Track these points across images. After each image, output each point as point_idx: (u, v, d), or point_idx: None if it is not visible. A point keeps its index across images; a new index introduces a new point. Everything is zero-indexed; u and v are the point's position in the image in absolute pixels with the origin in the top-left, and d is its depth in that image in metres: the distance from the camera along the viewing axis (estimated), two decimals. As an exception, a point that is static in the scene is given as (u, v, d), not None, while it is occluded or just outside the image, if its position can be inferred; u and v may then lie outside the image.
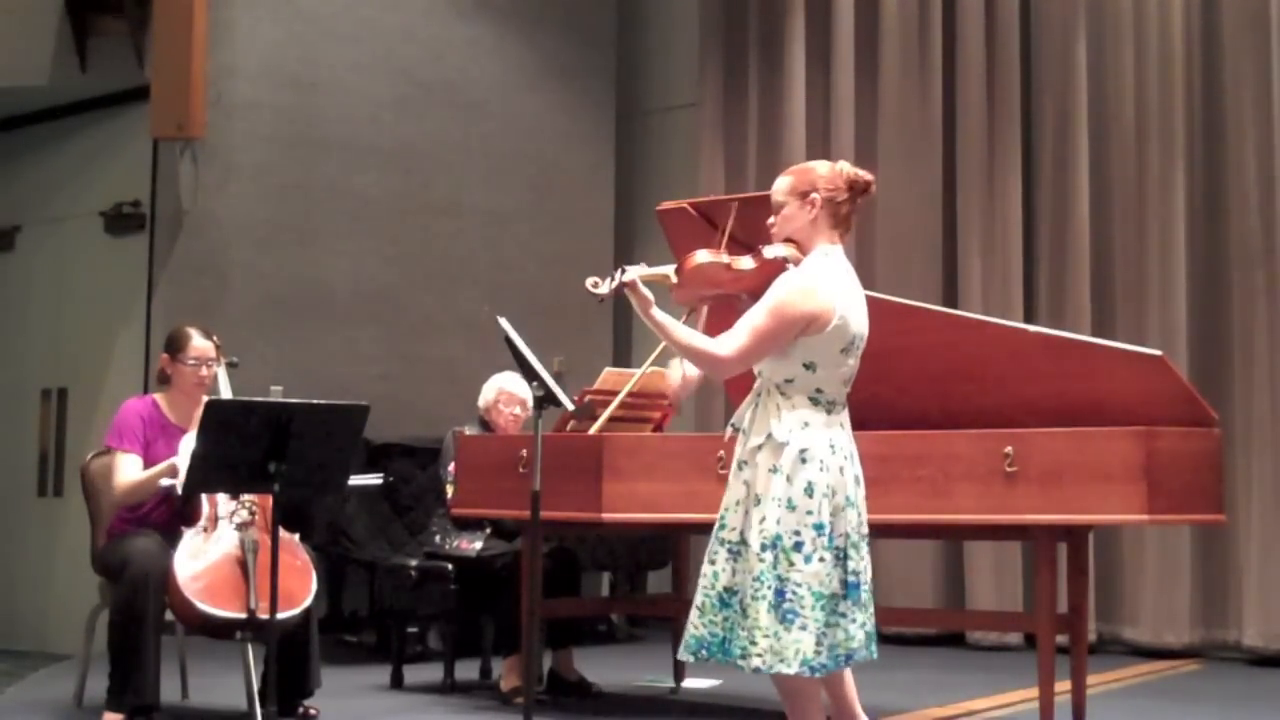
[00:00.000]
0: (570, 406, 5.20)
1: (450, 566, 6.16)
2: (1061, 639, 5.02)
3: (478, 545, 6.15)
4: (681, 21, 9.70)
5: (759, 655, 3.65)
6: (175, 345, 5.32)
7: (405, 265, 8.64)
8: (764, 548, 3.66)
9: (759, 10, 9.20)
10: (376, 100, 8.59)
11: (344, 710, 5.47)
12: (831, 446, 3.74)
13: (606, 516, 5.12)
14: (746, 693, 6.11)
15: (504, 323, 5.02)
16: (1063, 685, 5.04)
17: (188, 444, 4.97)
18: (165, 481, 5.09)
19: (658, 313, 3.87)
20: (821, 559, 3.66)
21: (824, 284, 3.76)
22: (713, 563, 3.75)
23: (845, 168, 3.89)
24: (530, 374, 4.98)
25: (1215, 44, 7.79)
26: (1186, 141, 7.80)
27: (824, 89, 8.90)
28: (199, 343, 5.31)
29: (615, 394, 5.44)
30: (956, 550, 8.12)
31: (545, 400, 4.98)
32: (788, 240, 3.89)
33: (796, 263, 3.86)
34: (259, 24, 8.14)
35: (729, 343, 3.78)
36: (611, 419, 5.37)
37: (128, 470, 5.16)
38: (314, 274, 8.28)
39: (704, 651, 3.73)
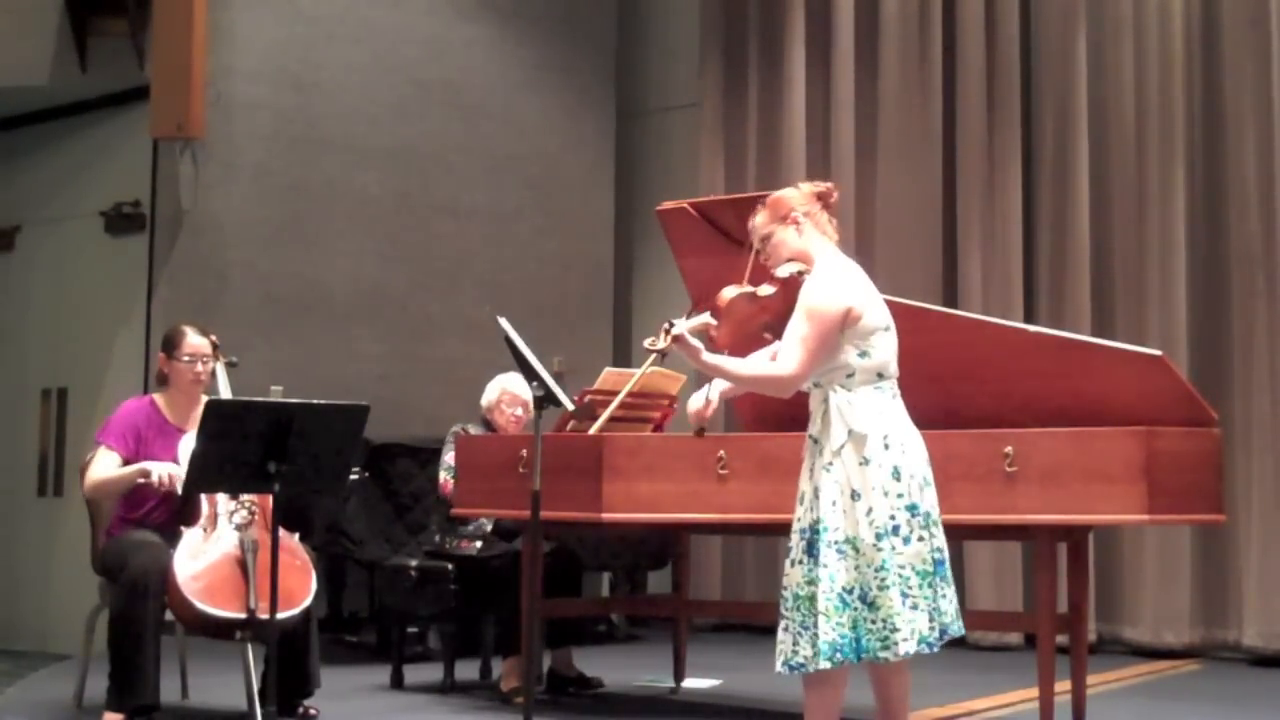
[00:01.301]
0: (570, 406, 5.20)
1: (450, 566, 6.15)
2: (1061, 639, 5.02)
3: (478, 545, 6.15)
4: (681, 21, 9.69)
5: (904, 640, 3.74)
6: (170, 343, 5.33)
7: (405, 265, 8.64)
8: (879, 537, 3.78)
9: (759, 10, 9.20)
10: (376, 100, 8.59)
11: (344, 710, 5.47)
12: (907, 429, 3.90)
13: (606, 516, 5.13)
14: (746, 693, 6.11)
15: (504, 323, 5.01)
16: (1063, 685, 5.04)
17: (187, 444, 4.97)
18: (153, 480, 5.06)
19: (709, 357, 3.98)
20: (921, 538, 3.82)
21: (845, 277, 3.94)
22: (825, 566, 3.79)
23: (805, 186, 4.10)
24: (530, 374, 4.98)
25: (1215, 44, 7.78)
26: (1186, 141, 7.80)
27: (824, 89, 8.89)
28: (194, 339, 5.31)
29: (615, 394, 5.43)
30: (956, 550, 8.08)
31: (545, 400, 4.98)
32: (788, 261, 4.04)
33: (809, 273, 3.98)
34: (259, 24, 8.14)
35: (787, 360, 3.88)
36: (611, 419, 5.36)
37: (99, 466, 5.18)
38: (314, 274, 8.28)
39: (839, 655, 3.76)
